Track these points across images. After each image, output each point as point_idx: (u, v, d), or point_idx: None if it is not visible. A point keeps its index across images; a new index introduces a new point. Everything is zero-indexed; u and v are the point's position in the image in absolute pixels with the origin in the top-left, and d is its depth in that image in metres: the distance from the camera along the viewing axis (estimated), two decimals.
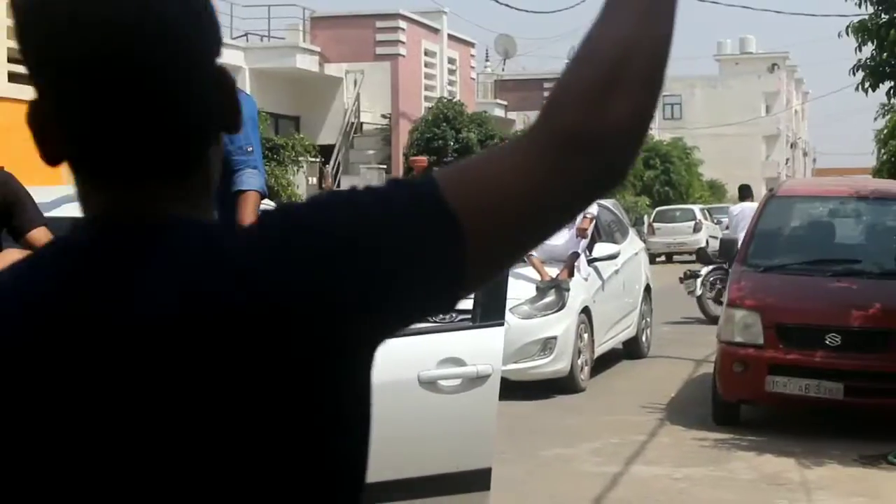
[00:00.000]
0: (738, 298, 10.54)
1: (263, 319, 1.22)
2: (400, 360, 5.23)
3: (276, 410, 1.24)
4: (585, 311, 12.45)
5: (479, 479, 5.14)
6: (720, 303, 22.46)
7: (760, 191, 36.06)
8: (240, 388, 1.23)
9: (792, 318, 10.25)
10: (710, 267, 18.63)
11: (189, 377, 1.23)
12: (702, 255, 21.59)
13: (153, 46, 1.26)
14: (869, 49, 11.91)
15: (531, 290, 11.79)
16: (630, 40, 1.33)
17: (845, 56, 13.30)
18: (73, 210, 4.43)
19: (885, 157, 23.45)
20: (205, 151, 1.35)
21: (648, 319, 15.42)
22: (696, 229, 39.48)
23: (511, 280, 10.04)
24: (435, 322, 10.92)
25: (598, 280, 13.15)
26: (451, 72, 35.79)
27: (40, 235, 4.46)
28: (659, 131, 61.78)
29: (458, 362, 5.17)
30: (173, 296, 1.23)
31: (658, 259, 37.42)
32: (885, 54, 11.64)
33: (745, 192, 19.41)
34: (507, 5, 22.23)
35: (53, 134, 1.31)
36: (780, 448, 9.66)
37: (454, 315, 11.09)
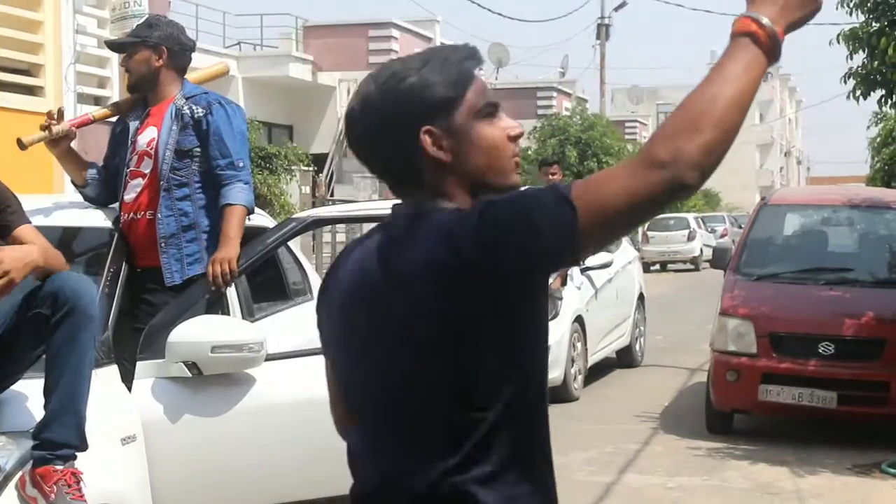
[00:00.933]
0: (731, 307, 10.55)
1: (455, 262, 2.15)
2: None
3: (468, 322, 2.19)
4: (578, 319, 12.46)
5: None
6: None
7: (754, 199, 36.10)
8: (452, 300, 2.17)
9: (785, 327, 10.26)
10: None
11: (426, 295, 2.18)
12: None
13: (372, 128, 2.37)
14: (860, 57, 11.93)
15: None
16: (713, 97, 2.06)
17: (838, 64, 13.36)
18: (59, 218, 4.33)
19: (878, 165, 23.53)
20: (422, 175, 2.31)
21: (642, 328, 15.43)
22: (691, 238, 39.56)
23: None
24: None
25: (592, 289, 13.16)
26: None
27: (26, 232, 4.47)
28: None
29: None
30: (421, 250, 2.20)
31: (652, 268, 37.48)
32: (876, 62, 11.64)
33: None
34: (500, 14, 22.26)
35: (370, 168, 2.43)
36: (773, 457, 9.68)
37: None
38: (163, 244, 5.61)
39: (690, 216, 41.64)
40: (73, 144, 6.02)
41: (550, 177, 12.72)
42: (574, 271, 12.58)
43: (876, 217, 12.27)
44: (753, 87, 2.10)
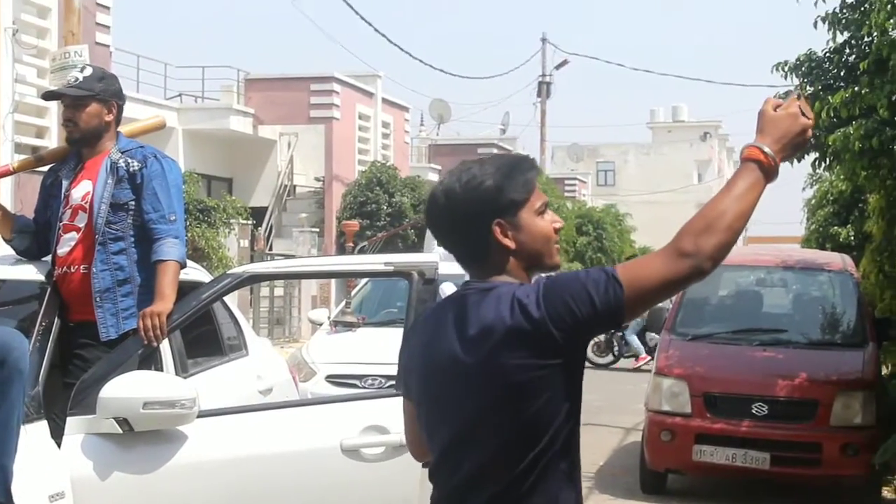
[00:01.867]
0: (666, 367, 10.61)
1: (524, 326, 2.81)
2: (323, 427, 5.22)
3: (533, 375, 2.83)
4: None
5: None
6: (599, 355, 23.27)
7: None
8: (520, 357, 2.82)
9: (719, 388, 10.32)
10: None
11: (502, 352, 2.83)
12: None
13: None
14: None
15: None
16: (725, 208, 2.84)
17: None
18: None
19: (812, 226, 23.76)
20: (490, 256, 2.98)
21: None
22: None
23: None
24: (361, 388, 10.96)
25: None
26: (385, 136, 35.86)
27: None
28: (592, 198, 62.27)
29: (381, 430, 5.16)
30: (493, 315, 2.85)
31: None
32: None
33: None
34: (442, 71, 22.40)
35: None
36: None
37: (381, 381, 11.13)
38: (98, 298, 5.57)
39: None
40: (10, 194, 6.00)
41: None
42: None
43: (809, 279, 12.41)
44: (755, 201, 2.88)
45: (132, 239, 5.68)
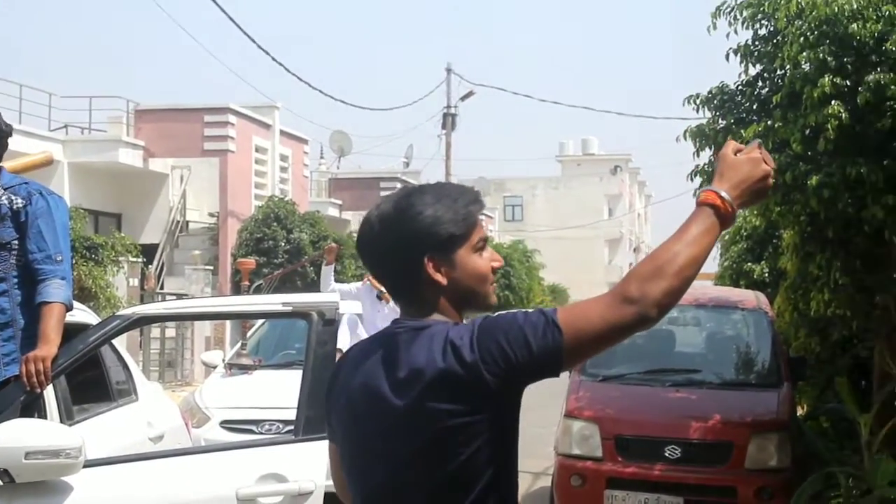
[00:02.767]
0: (576, 409, 10.65)
1: (456, 370, 2.75)
2: (218, 475, 5.18)
3: (464, 421, 2.76)
4: None
5: None
6: None
7: None
8: (451, 402, 2.76)
9: (630, 430, 10.39)
10: None
11: (432, 396, 2.77)
12: None
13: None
14: (707, 154, 12.25)
15: None
16: (676, 252, 2.79)
17: (687, 159, 13.69)
18: None
19: (726, 262, 24.02)
20: (421, 291, 2.96)
21: None
22: None
23: None
24: (267, 434, 10.89)
25: None
26: (284, 169, 35.79)
27: None
28: (499, 234, 62.56)
29: (279, 478, 5.14)
30: (423, 357, 2.80)
31: None
32: None
33: None
34: (342, 101, 22.41)
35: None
36: None
37: (279, 427, 11.06)
38: None
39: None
40: None
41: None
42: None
43: (723, 317, 12.57)
44: (709, 248, 2.85)
45: (15, 280, 5.60)
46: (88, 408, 6.70)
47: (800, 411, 13.59)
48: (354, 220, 42.22)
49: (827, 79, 9.61)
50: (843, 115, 9.50)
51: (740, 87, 12.06)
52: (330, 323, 5.44)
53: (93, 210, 27.80)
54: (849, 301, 11.61)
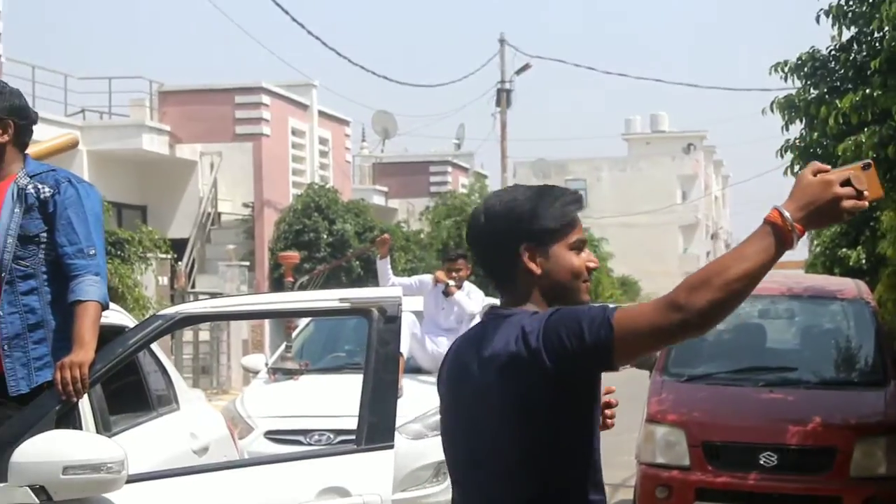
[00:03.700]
0: (659, 413, 10.57)
1: (522, 354, 3.33)
2: (273, 490, 5.19)
3: (544, 397, 3.31)
4: None
5: None
6: None
7: None
8: (523, 383, 3.33)
9: (721, 436, 10.31)
10: None
11: (506, 378, 3.36)
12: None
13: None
14: (797, 128, 12.16)
15: (423, 405, 11.73)
16: (727, 266, 3.13)
17: (770, 135, 13.60)
18: None
19: (818, 248, 23.92)
20: (516, 280, 3.54)
21: None
22: None
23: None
24: (317, 446, 10.90)
25: None
26: (323, 153, 35.88)
27: None
28: None
29: (341, 492, 5.14)
30: (503, 341, 3.39)
31: None
32: (815, 134, 11.83)
33: None
34: (385, 78, 22.40)
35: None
36: None
37: (329, 437, 11.08)
38: (6, 346, 5.51)
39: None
40: None
41: (456, 274, 12.65)
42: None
43: (820, 308, 12.45)
44: (762, 265, 3.15)
45: (44, 277, 5.62)
46: (126, 418, 6.72)
47: None
48: (402, 208, 42.25)
49: None
50: None
51: (833, 53, 11.99)
52: (392, 320, 5.43)
53: (115, 202, 27.90)
54: None
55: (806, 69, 11.95)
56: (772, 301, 12.41)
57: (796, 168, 12.07)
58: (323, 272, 25.51)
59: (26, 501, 4.90)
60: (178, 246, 29.00)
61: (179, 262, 28.46)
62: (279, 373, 13.30)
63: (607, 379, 3.46)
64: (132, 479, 5.08)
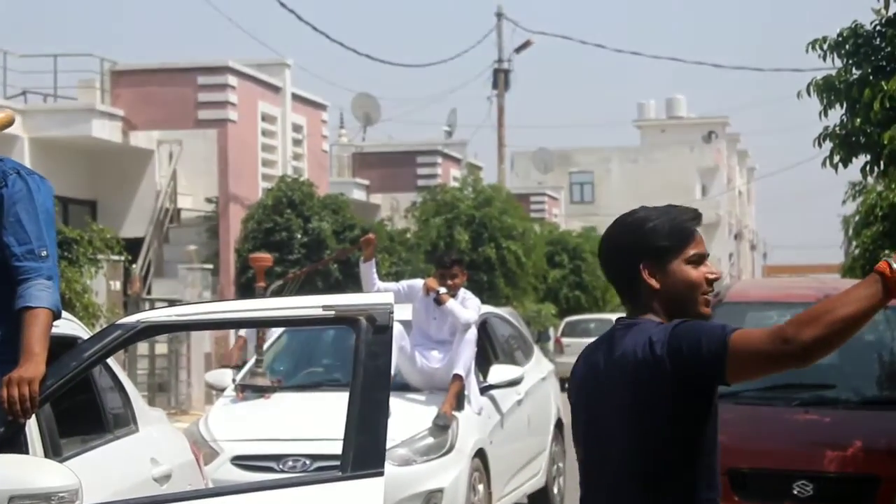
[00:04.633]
0: None
1: (648, 360, 4.12)
2: None
3: (663, 401, 4.09)
4: (480, 454, 12.40)
5: None
6: None
7: None
8: (645, 386, 4.12)
9: (749, 462, 10.30)
10: None
11: (630, 382, 4.17)
12: None
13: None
14: (837, 113, 12.11)
15: (411, 428, 11.69)
16: (833, 308, 3.85)
17: (804, 122, 13.57)
18: None
19: (857, 251, 23.90)
20: (638, 294, 4.34)
21: (561, 465, 15.44)
22: None
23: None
24: (291, 473, 10.88)
25: (497, 414, 13.14)
26: (297, 142, 35.83)
27: None
28: (565, 219, 62.37)
29: None
30: (630, 348, 4.20)
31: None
32: (858, 120, 11.73)
33: None
34: (368, 56, 22.40)
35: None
36: None
37: (305, 463, 11.07)
38: None
39: (615, 317, 41.89)
40: None
41: (450, 281, 12.54)
42: (473, 391, 12.52)
43: None
44: (866, 311, 3.83)
45: None
46: (79, 441, 6.72)
47: None
48: (385, 204, 42.21)
49: None
50: None
51: (879, 28, 11.99)
52: (383, 330, 5.42)
53: (62, 197, 27.86)
54: None
55: (847, 47, 11.93)
56: (805, 308, 12.34)
57: (836, 159, 12.03)
58: (299, 276, 25.46)
59: None
60: (133, 246, 28.91)
61: (134, 265, 28.38)
62: (248, 390, 13.23)
63: None
64: None
